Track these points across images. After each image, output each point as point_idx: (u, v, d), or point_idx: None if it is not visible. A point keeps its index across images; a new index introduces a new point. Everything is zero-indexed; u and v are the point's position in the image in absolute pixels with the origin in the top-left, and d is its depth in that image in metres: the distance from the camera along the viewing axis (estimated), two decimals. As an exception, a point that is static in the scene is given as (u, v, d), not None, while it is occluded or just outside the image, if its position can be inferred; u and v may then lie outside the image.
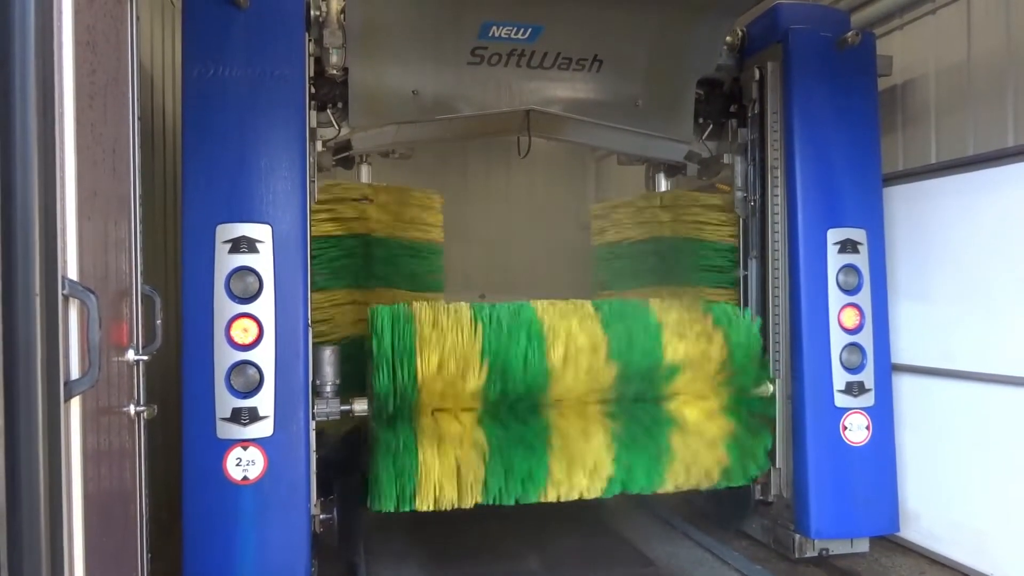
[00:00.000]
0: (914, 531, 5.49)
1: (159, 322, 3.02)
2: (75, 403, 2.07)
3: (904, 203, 5.57)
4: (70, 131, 2.08)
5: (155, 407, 2.83)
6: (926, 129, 5.58)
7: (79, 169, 2.13)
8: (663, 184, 6.57)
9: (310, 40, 4.80)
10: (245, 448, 4.31)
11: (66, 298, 2.02)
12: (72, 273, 2.08)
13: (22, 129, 1.90)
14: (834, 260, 5.25)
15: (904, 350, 5.55)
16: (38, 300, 1.91)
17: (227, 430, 4.31)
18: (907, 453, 5.51)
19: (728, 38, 5.62)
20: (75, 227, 2.10)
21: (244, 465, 4.31)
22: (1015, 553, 4.77)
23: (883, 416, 5.27)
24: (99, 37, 2.32)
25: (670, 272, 6.20)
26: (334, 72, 5.01)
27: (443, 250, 6.21)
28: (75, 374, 2.08)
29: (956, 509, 5.21)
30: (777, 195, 5.42)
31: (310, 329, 4.58)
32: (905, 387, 5.54)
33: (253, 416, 4.33)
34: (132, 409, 2.64)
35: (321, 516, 4.78)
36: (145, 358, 2.77)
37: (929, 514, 5.41)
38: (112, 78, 2.49)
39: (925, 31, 5.59)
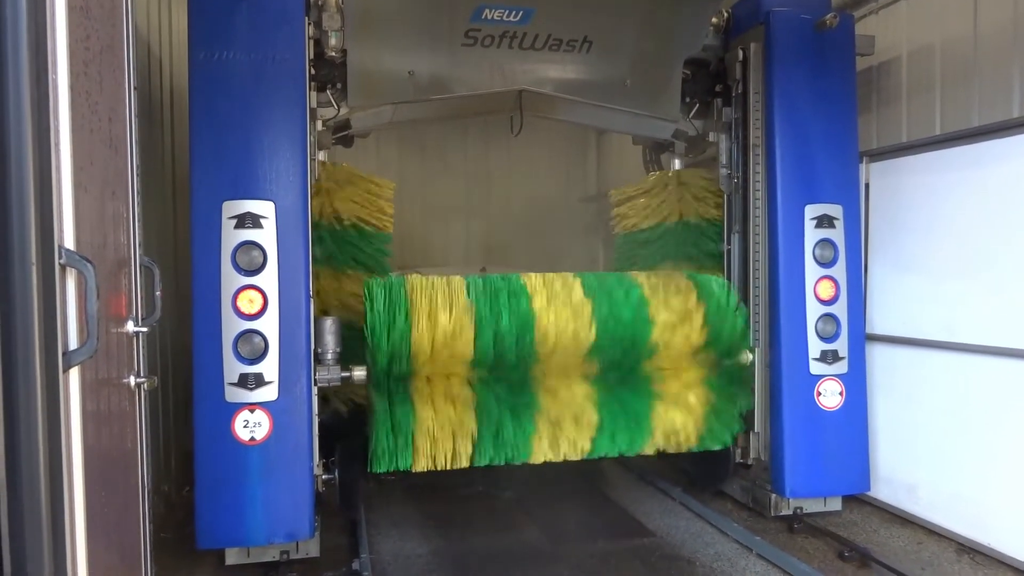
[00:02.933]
0: (913, 503, 5.30)
1: (158, 294, 2.85)
2: (74, 373, 1.91)
3: (908, 175, 5.32)
4: (64, 99, 1.89)
5: (155, 378, 2.66)
6: (930, 101, 5.24)
7: (74, 138, 1.94)
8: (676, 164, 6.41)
9: (310, 23, 4.67)
10: (252, 411, 4.31)
11: (63, 267, 1.85)
12: (69, 243, 1.90)
13: (15, 97, 1.72)
14: (811, 234, 5.15)
15: (903, 323, 5.34)
16: (35, 270, 1.75)
17: (235, 394, 4.30)
18: (906, 426, 5.33)
19: (714, 19, 5.47)
20: (71, 197, 1.92)
21: (251, 427, 4.30)
22: (1012, 525, 4.56)
23: (856, 382, 5.18)
24: (92, 2, 2.12)
25: (690, 252, 6.04)
26: (333, 54, 4.88)
27: (390, 234, 5.85)
28: (73, 344, 1.91)
29: (955, 481, 4.98)
30: (758, 172, 5.30)
31: (311, 300, 4.49)
32: (907, 359, 5.32)
33: (259, 381, 4.31)
34: (132, 380, 2.48)
35: (323, 476, 4.74)
36: (144, 330, 2.60)
37: (928, 486, 5.19)
38: (107, 45, 2.28)
39: (931, 2, 5.22)
